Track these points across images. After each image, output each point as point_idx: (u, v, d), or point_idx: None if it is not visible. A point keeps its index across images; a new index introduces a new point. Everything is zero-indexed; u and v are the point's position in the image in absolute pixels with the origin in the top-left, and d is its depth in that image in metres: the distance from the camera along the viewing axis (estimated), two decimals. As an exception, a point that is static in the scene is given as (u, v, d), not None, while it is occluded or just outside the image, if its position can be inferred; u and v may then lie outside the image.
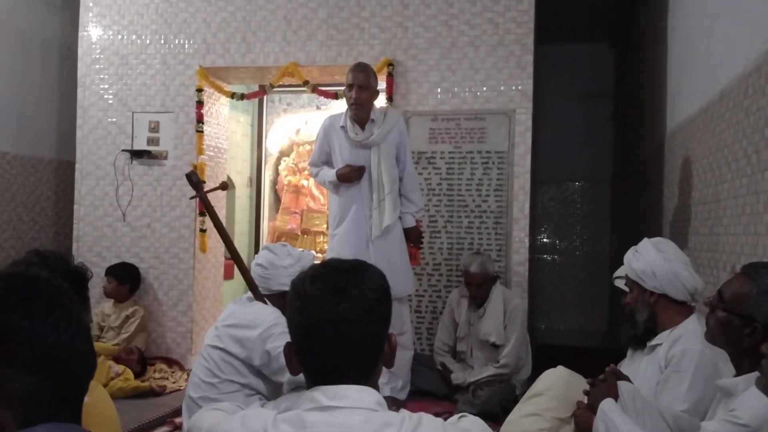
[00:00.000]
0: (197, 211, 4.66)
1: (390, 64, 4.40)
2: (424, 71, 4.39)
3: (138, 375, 4.17)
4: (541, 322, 6.68)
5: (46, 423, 0.78)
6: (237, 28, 4.66)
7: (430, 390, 3.86)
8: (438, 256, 4.39)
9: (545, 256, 6.82)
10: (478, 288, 3.81)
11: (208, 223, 4.70)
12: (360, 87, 3.49)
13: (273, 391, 2.53)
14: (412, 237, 3.70)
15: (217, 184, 3.42)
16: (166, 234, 4.72)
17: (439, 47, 4.39)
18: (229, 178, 5.60)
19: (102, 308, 4.55)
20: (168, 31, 4.76)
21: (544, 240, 6.85)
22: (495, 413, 3.34)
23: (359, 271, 1.27)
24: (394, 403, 3.34)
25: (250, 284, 2.62)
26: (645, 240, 2.31)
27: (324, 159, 3.70)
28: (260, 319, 2.48)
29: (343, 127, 3.61)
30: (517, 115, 4.30)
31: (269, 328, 2.43)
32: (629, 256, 2.30)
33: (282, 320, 2.44)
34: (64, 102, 5.26)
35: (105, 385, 3.86)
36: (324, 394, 1.18)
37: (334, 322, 1.19)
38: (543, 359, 3.61)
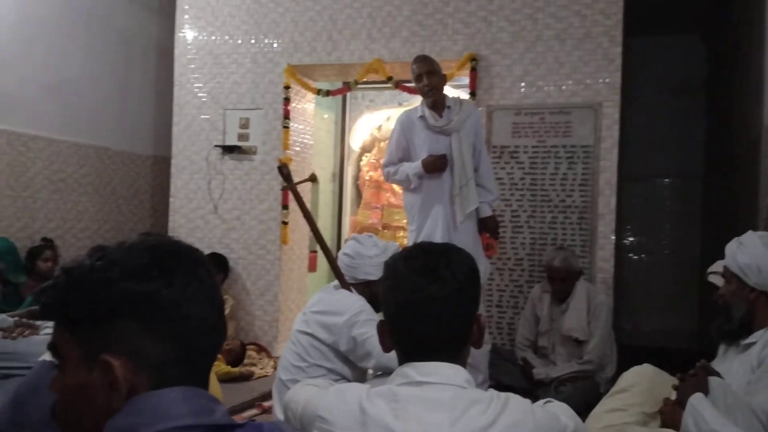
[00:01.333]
0: (281, 205, 4.82)
1: (473, 59, 4.40)
2: (508, 65, 4.38)
3: (236, 363, 4.34)
4: (626, 322, 6.49)
5: (177, 386, 0.83)
6: (323, 26, 4.79)
7: (511, 384, 3.84)
8: (520, 251, 4.36)
9: (631, 255, 6.63)
10: (562, 283, 3.77)
11: (292, 216, 4.86)
12: (428, 73, 3.53)
13: (358, 377, 2.60)
14: (490, 227, 3.69)
15: (304, 177, 3.53)
16: (255, 226, 4.91)
17: (524, 41, 4.36)
18: (313, 173, 5.75)
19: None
20: (258, 31, 4.95)
21: (631, 238, 6.66)
22: (577, 410, 3.29)
23: (450, 253, 1.31)
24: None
25: (337, 272, 2.70)
26: (750, 233, 2.18)
27: (401, 155, 3.70)
28: (346, 306, 2.56)
29: (421, 116, 3.63)
30: (604, 109, 4.22)
31: (355, 315, 2.50)
32: (732, 247, 2.19)
33: (367, 308, 2.51)
34: (161, 100, 5.56)
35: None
36: (415, 369, 1.23)
37: (424, 301, 1.24)
38: (628, 360, 3.52)
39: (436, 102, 3.60)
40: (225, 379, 4.13)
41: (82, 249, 5.02)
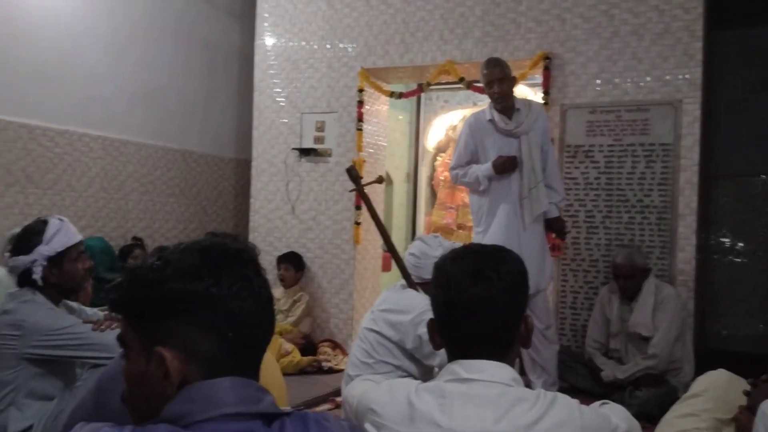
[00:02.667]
0: (355, 205, 4.93)
1: (547, 57, 4.36)
2: (583, 63, 4.30)
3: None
4: (714, 326, 6.21)
5: (227, 377, 0.90)
6: (396, 29, 4.86)
7: (584, 388, 3.79)
8: (595, 252, 4.28)
9: (719, 256, 6.33)
10: (626, 280, 3.69)
11: (365, 216, 4.95)
12: (500, 80, 3.56)
13: (425, 375, 2.64)
14: (556, 227, 3.67)
15: (373, 179, 3.61)
16: (330, 226, 5.05)
17: (599, 38, 4.27)
18: (387, 173, 5.84)
19: (273, 293, 4.96)
20: (333, 36, 5.08)
21: (720, 239, 6.35)
22: (653, 414, 3.21)
23: (498, 255, 1.34)
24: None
25: (404, 272, 2.76)
26: None
27: (469, 158, 3.72)
28: (413, 305, 2.61)
29: (491, 120, 3.66)
30: (684, 106, 4.08)
31: (421, 314, 2.55)
32: None
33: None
34: (242, 105, 5.80)
35: (277, 361, 4.24)
36: (462, 367, 1.27)
37: (469, 301, 1.27)
38: (715, 365, 3.40)
39: (506, 107, 3.62)
40: (300, 372, 4.29)
41: (169, 247, 5.31)
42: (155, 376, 0.90)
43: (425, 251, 2.74)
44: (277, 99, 5.26)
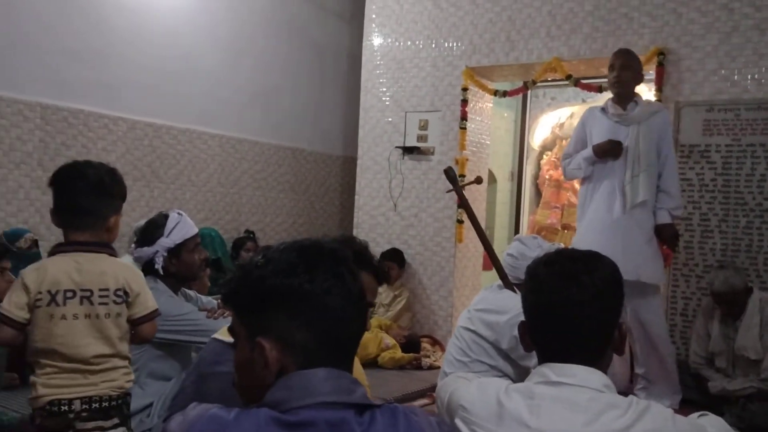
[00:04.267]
0: (456, 204, 4.95)
1: (661, 53, 4.18)
2: (699, 59, 4.10)
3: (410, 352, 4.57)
4: None
5: (323, 368, 0.98)
6: (502, 27, 4.83)
7: (691, 398, 3.62)
8: (710, 257, 4.07)
9: None
10: (729, 306, 3.47)
11: (466, 215, 4.97)
12: (622, 66, 3.49)
13: (520, 375, 2.64)
14: (666, 235, 3.49)
15: (473, 179, 3.63)
16: (431, 224, 5.10)
17: (718, 32, 4.05)
18: (490, 172, 5.82)
19: (374, 288, 5.09)
20: (438, 35, 5.12)
21: None
22: (764, 429, 3.04)
23: (592, 260, 1.33)
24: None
25: (500, 272, 2.77)
26: None
27: (579, 148, 3.70)
28: (509, 306, 2.62)
29: (603, 109, 3.62)
30: (813, 103, 3.80)
31: (517, 315, 2.56)
32: None
33: None
34: (350, 104, 5.97)
35: (377, 355, 4.36)
36: (552, 370, 1.28)
37: (562, 306, 1.28)
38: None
39: (621, 95, 3.54)
40: (400, 366, 4.37)
41: (278, 241, 5.56)
42: (258, 364, 0.99)
43: (523, 252, 2.73)
44: (383, 98, 5.37)
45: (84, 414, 1.93)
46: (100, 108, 4.31)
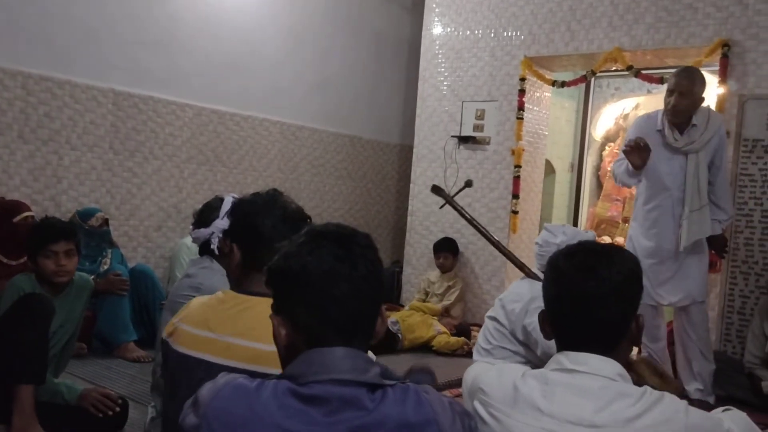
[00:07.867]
0: (511, 194, 4.96)
1: (725, 45, 4.06)
2: (765, 51, 3.95)
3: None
4: None
5: (341, 347, 1.04)
6: (562, 17, 4.78)
7: (743, 398, 3.53)
8: (770, 256, 3.95)
9: None
10: None
11: (522, 206, 4.98)
12: (681, 94, 3.23)
13: (543, 361, 2.68)
14: (717, 245, 3.44)
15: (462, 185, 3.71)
16: (485, 213, 5.12)
17: (787, 23, 3.90)
18: (549, 163, 5.77)
19: (428, 276, 5.17)
20: (498, 24, 5.11)
21: None
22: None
23: (611, 254, 1.36)
24: (699, 407, 3.20)
25: (515, 263, 2.85)
26: None
27: None
28: (522, 293, 2.70)
29: (659, 130, 3.38)
30: None
31: (528, 302, 2.61)
32: None
33: (539, 294, 2.58)
34: (407, 93, 6.02)
35: (430, 339, 4.47)
36: (567, 358, 1.32)
37: (579, 297, 1.32)
38: None
39: (676, 123, 3.35)
40: (448, 350, 4.44)
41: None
42: (277, 338, 1.09)
43: (548, 239, 2.77)
44: (440, 87, 5.40)
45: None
46: (169, 95, 4.53)
